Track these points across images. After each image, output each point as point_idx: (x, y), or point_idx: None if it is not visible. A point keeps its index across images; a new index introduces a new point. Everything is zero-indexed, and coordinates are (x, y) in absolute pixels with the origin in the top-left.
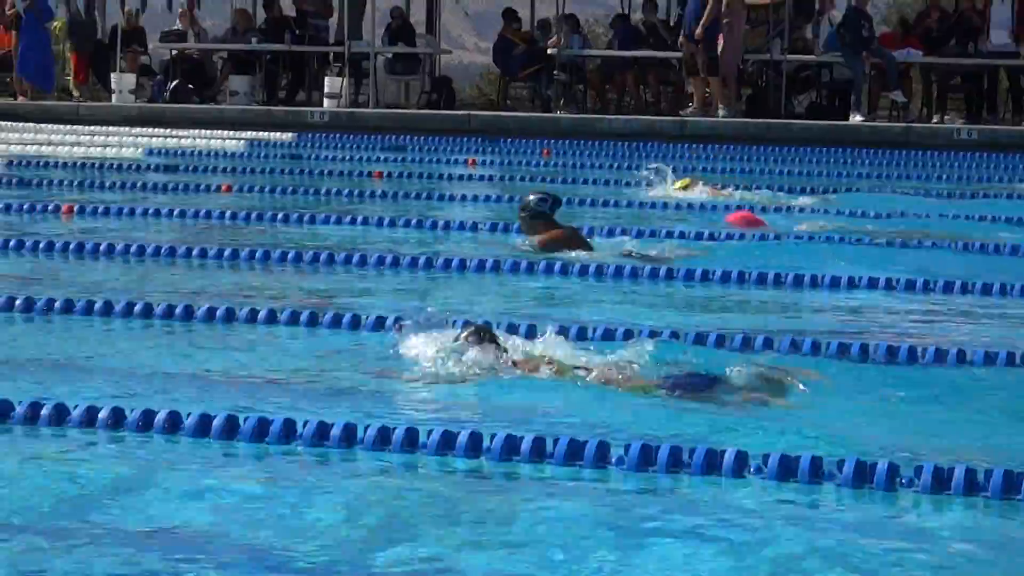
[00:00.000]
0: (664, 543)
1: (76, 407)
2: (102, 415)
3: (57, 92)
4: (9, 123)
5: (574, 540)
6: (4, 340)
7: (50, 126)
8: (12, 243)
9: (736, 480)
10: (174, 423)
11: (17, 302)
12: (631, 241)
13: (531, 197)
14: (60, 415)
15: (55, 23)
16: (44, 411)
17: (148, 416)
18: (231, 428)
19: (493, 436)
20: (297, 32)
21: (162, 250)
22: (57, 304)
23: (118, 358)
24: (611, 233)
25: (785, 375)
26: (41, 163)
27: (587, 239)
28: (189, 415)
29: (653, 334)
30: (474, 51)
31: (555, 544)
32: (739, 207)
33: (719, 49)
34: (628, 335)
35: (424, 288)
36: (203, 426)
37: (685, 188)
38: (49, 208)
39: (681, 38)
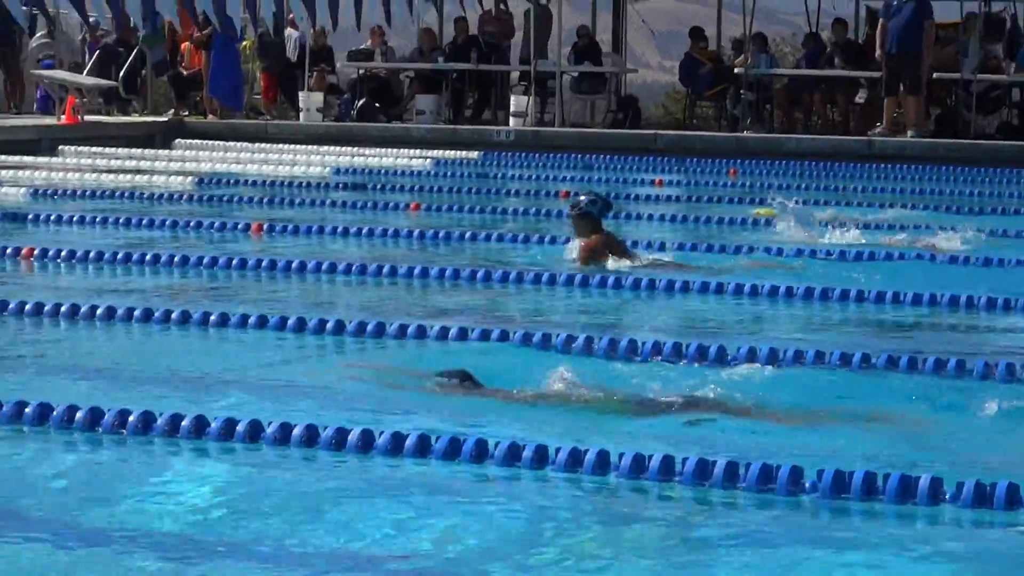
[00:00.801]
0: None
1: (269, 423)
2: (296, 432)
3: (246, 111)
4: (199, 141)
5: None
6: (201, 355)
7: (239, 144)
8: (205, 260)
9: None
10: (367, 442)
11: (212, 317)
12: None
13: (582, 197)
14: (255, 431)
15: (244, 43)
16: (239, 427)
17: (341, 434)
18: (423, 447)
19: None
20: (483, 51)
21: (353, 267)
22: (251, 320)
23: (311, 375)
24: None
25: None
26: (230, 181)
27: (626, 247)
28: (382, 433)
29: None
30: (658, 70)
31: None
32: None
33: (921, 68)
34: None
35: (606, 308)
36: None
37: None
38: (239, 226)
39: (879, 53)
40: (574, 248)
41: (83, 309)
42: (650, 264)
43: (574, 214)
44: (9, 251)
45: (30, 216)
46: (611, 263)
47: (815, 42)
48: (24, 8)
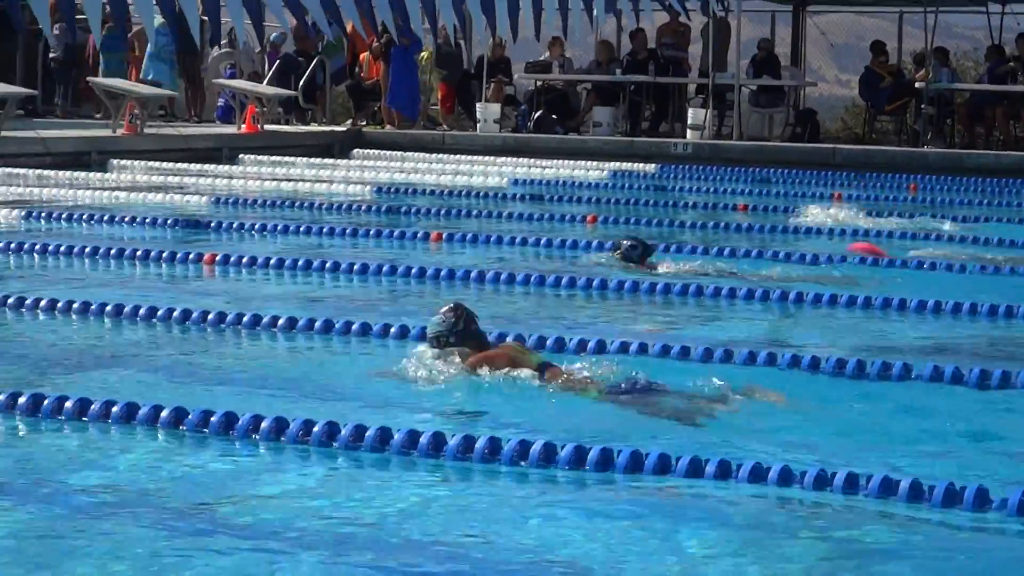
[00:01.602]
0: None
1: (452, 436)
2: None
3: (423, 121)
4: (377, 151)
5: None
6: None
7: (416, 154)
8: (385, 268)
9: None
10: (549, 455)
11: (392, 329)
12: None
13: (625, 242)
14: (438, 444)
15: (423, 53)
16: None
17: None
18: (606, 460)
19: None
20: (661, 63)
21: (531, 279)
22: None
23: None
24: None
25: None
26: (407, 191)
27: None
28: (564, 447)
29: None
30: (834, 83)
31: None
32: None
33: None
34: None
35: (778, 322)
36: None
37: None
38: (418, 235)
39: None
40: None
41: (265, 319)
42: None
43: (615, 257)
44: (191, 257)
45: (211, 223)
46: None
47: (998, 56)
48: (203, 20)
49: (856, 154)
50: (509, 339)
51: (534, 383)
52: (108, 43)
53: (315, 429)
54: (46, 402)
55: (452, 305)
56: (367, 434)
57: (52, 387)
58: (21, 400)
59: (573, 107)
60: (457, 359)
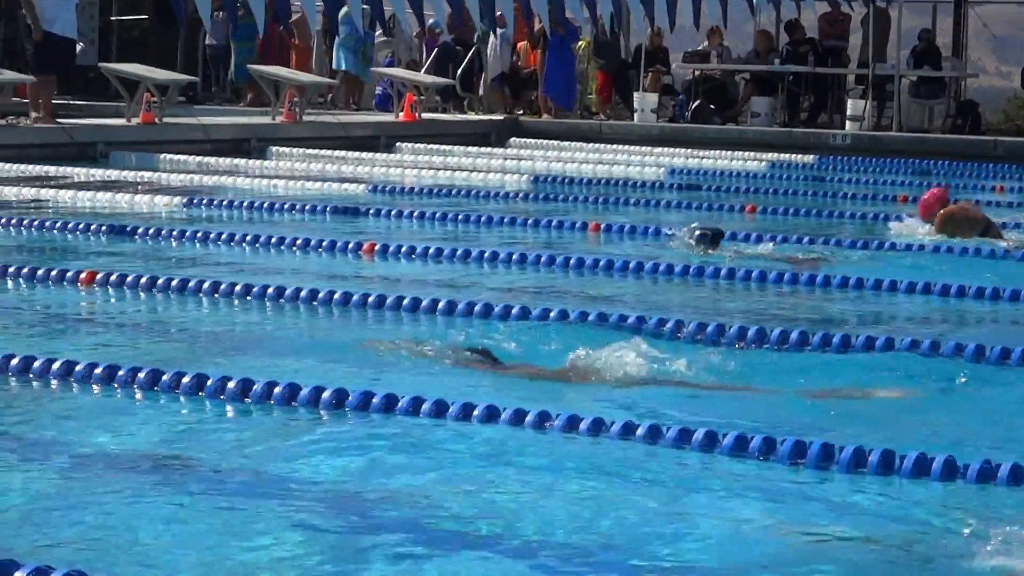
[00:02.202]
0: None
1: (613, 423)
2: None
3: (579, 110)
4: (534, 140)
5: None
6: (540, 352)
7: (573, 144)
8: (543, 258)
9: None
10: (711, 441)
11: (552, 313)
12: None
13: (696, 230)
14: (597, 427)
15: (580, 43)
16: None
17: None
18: (799, 451)
19: None
20: (820, 53)
21: (690, 269)
22: (591, 317)
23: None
24: None
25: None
26: (564, 180)
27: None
28: (726, 435)
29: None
30: (995, 75)
31: None
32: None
33: None
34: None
35: (943, 316)
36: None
37: None
38: (576, 225)
39: None
40: None
41: (424, 302)
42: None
43: (687, 237)
44: (351, 245)
45: (370, 211)
46: None
47: None
48: (364, 8)
49: (1018, 146)
50: None
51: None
52: (241, 32)
53: (476, 412)
54: (209, 382)
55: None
56: (527, 417)
57: (215, 368)
58: (185, 380)
59: (731, 97)
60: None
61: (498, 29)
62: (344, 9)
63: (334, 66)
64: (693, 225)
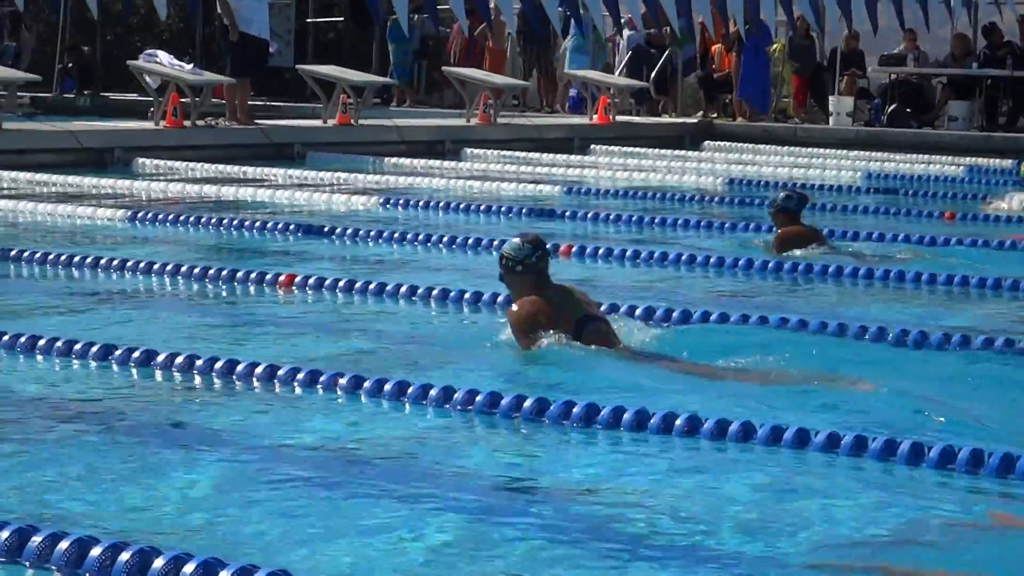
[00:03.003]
0: None
1: (761, 425)
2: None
3: (774, 113)
4: (728, 143)
5: None
6: (739, 353)
7: (768, 147)
8: (740, 262)
9: None
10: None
11: (751, 319)
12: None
13: (780, 194)
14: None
15: (774, 45)
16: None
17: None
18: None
19: None
20: (1018, 57)
21: (890, 274)
22: (791, 323)
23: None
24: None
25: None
26: (759, 183)
27: (827, 239)
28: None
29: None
30: None
31: None
32: None
33: None
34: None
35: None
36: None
37: None
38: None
39: None
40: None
41: (622, 308)
42: (845, 253)
43: (772, 211)
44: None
45: (565, 213)
46: (803, 252)
47: None
48: (559, 9)
49: None
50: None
51: (564, 342)
52: (394, 33)
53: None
54: (410, 389)
55: (535, 238)
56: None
57: (416, 374)
58: (387, 387)
59: (928, 101)
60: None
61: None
62: (582, 12)
63: (566, 68)
64: (779, 194)
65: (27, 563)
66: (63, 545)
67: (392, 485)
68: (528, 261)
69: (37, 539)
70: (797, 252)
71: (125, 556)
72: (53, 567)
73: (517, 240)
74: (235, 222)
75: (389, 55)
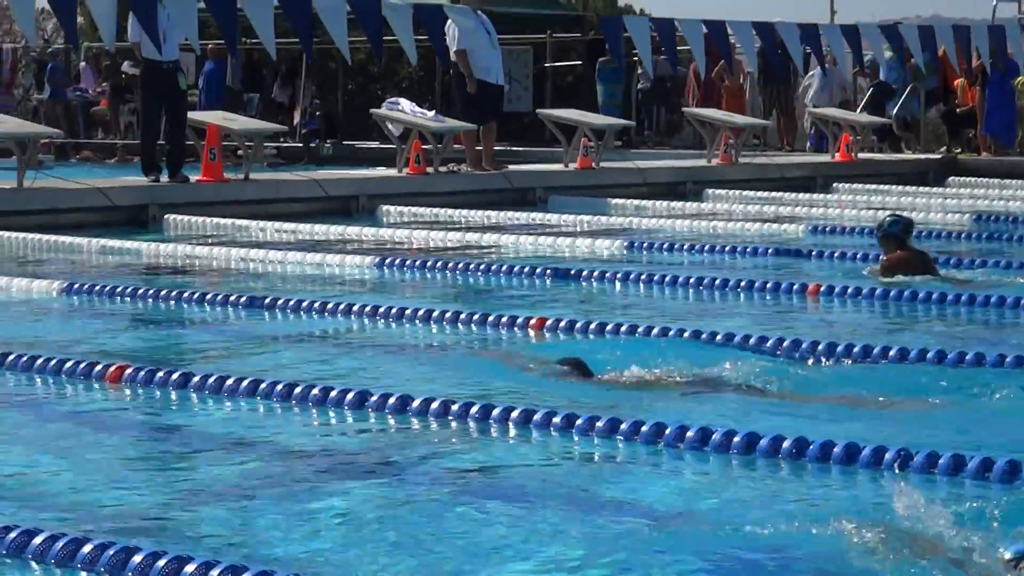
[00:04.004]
0: None
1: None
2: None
3: (1020, 148)
4: (973, 179)
5: None
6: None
7: (1015, 182)
8: (992, 299)
9: None
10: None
11: (912, 354)
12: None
13: (887, 218)
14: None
15: (1019, 78)
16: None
17: None
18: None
19: None
20: None
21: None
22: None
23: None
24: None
25: None
26: (1008, 218)
27: (934, 266)
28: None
29: None
30: None
31: None
32: None
33: None
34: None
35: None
36: None
37: None
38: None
39: None
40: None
41: (875, 349)
42: (950, 280)
43: (879, 235)
44: (795, 287)
45: (811, 252)
46: (915, 279)
47: None
48: (801, 46)
49: None
50: None
51: None
52: (604, 75)
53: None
54: (714, 436)
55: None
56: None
57: (689, 417)
58: (623, 425)
59: None
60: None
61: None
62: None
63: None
64: (886, 217)
65: None
66: None
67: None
68: None
69: None
70: (902, 278)
71: None
72: None
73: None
74: (481, 267)
75: (631, 96)
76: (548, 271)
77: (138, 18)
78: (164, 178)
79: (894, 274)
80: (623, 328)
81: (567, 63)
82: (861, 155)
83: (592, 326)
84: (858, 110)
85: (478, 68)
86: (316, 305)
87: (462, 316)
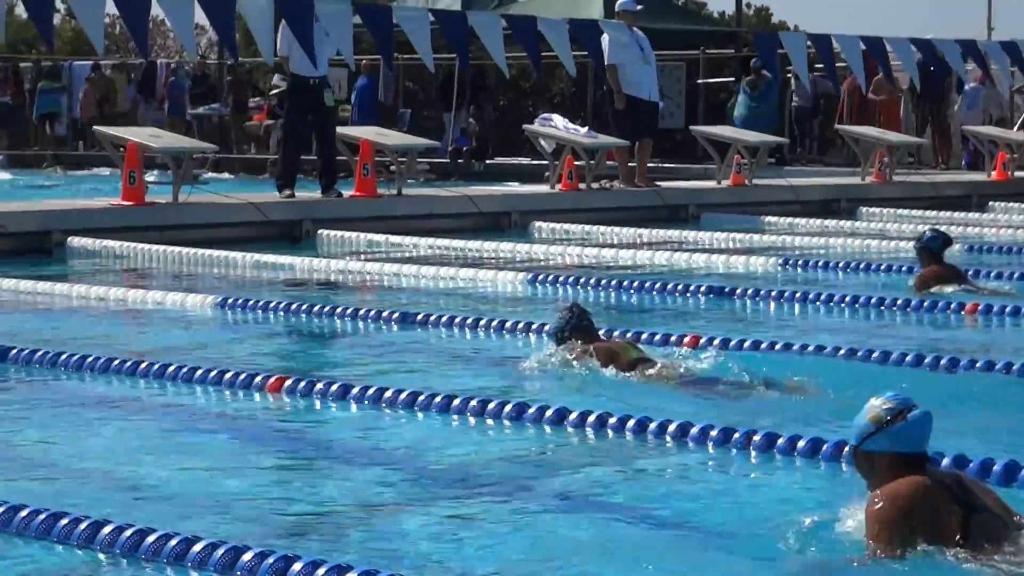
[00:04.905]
0: None
1: None
2: None
3: None
4: None
5: None
6: None
7: None
8: None
9: None
10: None
11: None
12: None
13: (926, 231)
14: None
15: None
16: None
17: None
18: None
19: None
20: None
21: None
22: None
23: None
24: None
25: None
26: None
27: (968, 278)
28: None
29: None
30: None
31: None
32: None
33: None
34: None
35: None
36: None
37: None
38: None
39: None
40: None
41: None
42: (987, 292)
43: (916, 247)
44: (953, 306)
45: (968, 272)
46: (946, 290)
47: None
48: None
49: None
50: (616, 335)
51: (623, 375)
52: (749, 91)
53: None
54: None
55: (568, 304)
56: None
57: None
58: (801, 444)
59: None
60: (577, 350)
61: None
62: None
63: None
64: (925, 231)
65: None
66: None
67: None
68: (571, 324)
69: None
70: (934, 289)
71: None
72: None
73: (556, 315)
74: (635, 284)
75: (785, 113)
76: (703, 289)
77: (295, 34)
78: (300, 193)
79: (928, 287)
80: (778, 346)
81: (720, 79)
82: (1018, 173)
83: (747, 344)
84: (1015, 128)
85: (628, 84)
86: (469, 321)
87: (615, 334)
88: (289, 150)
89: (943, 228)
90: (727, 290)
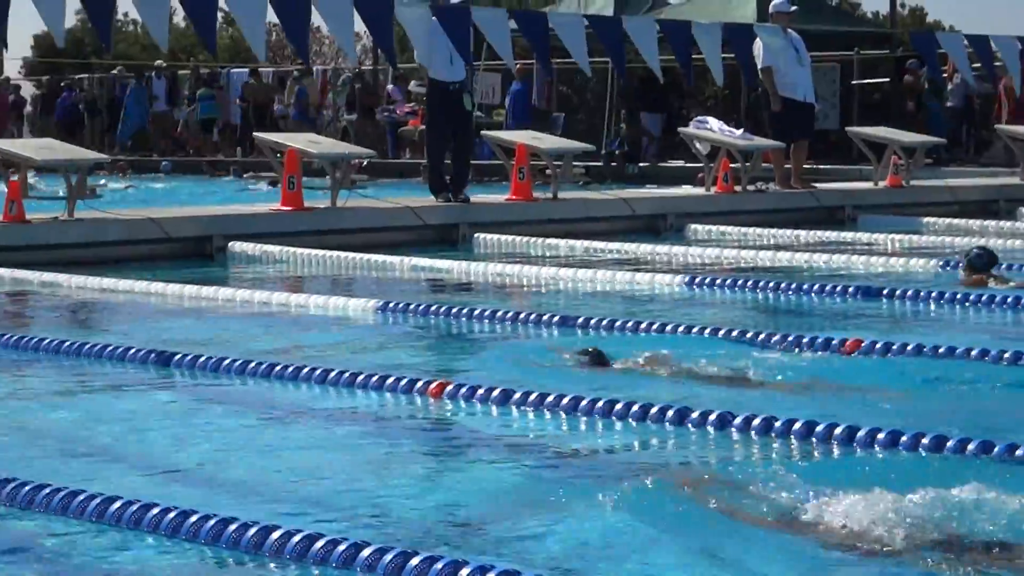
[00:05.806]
0: None
1: None
2: None
3: None
4: None
5: None
6: None
7: None
8: None
9: None
10: None
11: None
12: None
13: (974, 249)
14: None
15: None
16: None
17: None
18: None
19: None
20: None
21: None
22: None
23: None
24: None
25: None
26: None
27: None
28: None
29: None
30: None
31: None
32: None
33: None
34: None
35: None
36: None
37: None
38: None
39: None
40: None
41: None
42: None
43: (964, 262)
44: None
45: None
46: None
47: None
48: None
49: None
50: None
51: None
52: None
53: None
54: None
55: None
56: None
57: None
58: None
59: None
60: None
61: None
62: None
63: None
64: (973, 248)
65: None
66: None
67: None
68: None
69: None
70: None
71: None
72: None
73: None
74: (792, 286)
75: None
76: (860, 290)
77: (452, 41)
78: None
79: None
80: (941, 350)
81: (874, 80)
82: None
83: (909, 347)
84: None
85: (783, 85)
86: (629, 325)
87: (775, 337)
88: (432, 156)
89: None
90: (885, 291)
